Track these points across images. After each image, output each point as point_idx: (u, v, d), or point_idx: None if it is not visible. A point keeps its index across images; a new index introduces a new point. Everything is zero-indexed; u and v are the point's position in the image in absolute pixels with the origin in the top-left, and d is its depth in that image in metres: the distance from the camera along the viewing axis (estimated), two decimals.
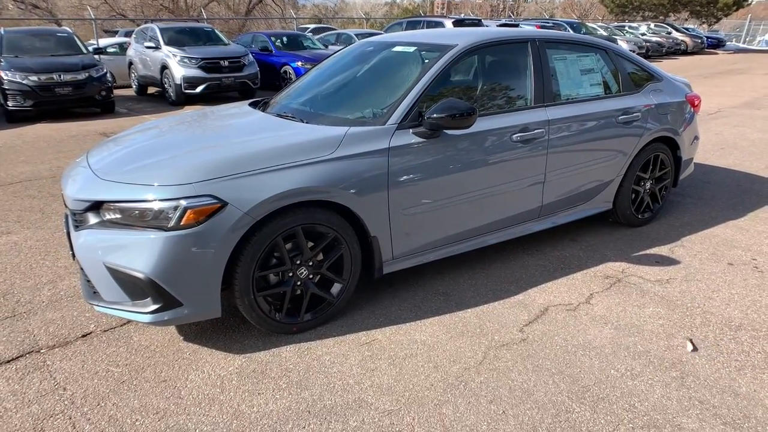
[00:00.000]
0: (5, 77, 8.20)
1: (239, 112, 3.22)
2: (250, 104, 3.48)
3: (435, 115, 2.53)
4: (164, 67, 10.43)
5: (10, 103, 8.26)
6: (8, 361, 2.35)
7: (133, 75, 12.02)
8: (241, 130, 2.71)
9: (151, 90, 12.27)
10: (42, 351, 2.43)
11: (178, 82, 9.99)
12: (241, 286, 2.27)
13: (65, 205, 2.63)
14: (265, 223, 2.24)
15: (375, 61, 3.21)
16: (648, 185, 3.71)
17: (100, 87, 8.93)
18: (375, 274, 2.67)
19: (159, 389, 2.16)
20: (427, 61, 2.86)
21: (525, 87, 3.04)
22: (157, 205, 2.12)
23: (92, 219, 2.26)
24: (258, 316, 2.37)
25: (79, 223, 2.31)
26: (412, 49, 3.06)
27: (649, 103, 3.53)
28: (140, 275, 2.12)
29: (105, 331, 2.59)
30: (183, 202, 2.11)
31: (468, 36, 2.97)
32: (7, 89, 8.20)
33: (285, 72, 12.15)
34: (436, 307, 2.76)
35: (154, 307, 2.18)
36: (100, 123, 8.43)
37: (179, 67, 10.08)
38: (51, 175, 5.34)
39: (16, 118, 8.46)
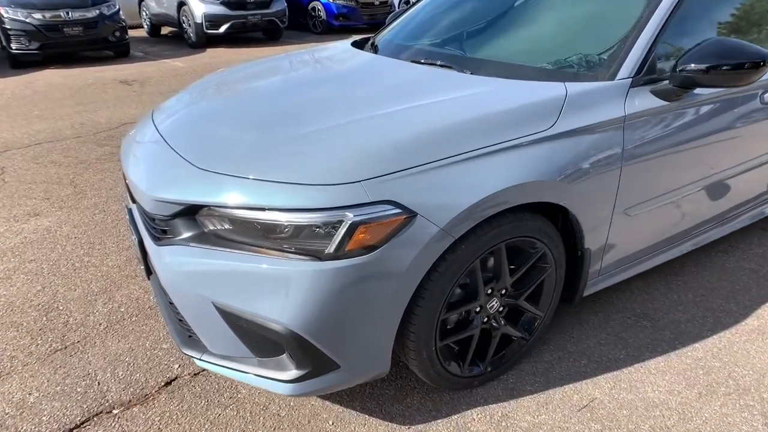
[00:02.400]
0: (5, 15, 7.10)
1: (354, 57, 2.29)
2: (353, 45, 2.57)
3: (694, 66, 1.64)
4: (182, 4, 9.22)
5: (13, 46, 7.21)
6: (72, 430, 1.63)
7: (144, 14, 10.78)
8: (387, 90, 1.82)
9: (165, 30, 11.08)
10: (114, 411, 1.69)
11: (199, 21, 8.83)
12: (420, 335, 1.49)
13: (129, 193, 1.81)
14: (460, 242, 1.43)
15: None
16: None
17: (113, 26, 7.83)
18: (576, 299, 1.88)
19: None
20: None
21: None
22: (303, 218, 1.30)
23: (184, 230, 1.45)
24: (437, 372, 1.60)
25: (162, 235, 1.51)
26: None
27: None
28: (277, 327, 1.33)
29: (194, 375, 1.84)
30: (349, 214, 1.28)
31: None
32: (9, 29, 7.12)
33: (314, 9, 10.88)
34: (648, 340, 1.99)
35: (297, 373, 1.40)
36: (117, 68, 7.42)
37: (200, 3, 8.87)
38: (75, 135, 4.46)
39: (22, 63, 7.45)
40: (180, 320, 1.58)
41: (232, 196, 1.36)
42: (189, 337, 1.58)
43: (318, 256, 1.29)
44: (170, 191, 1.45)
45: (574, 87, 1.62)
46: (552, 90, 1.61)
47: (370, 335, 1.39)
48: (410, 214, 1.30)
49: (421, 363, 1.53)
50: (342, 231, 1.27)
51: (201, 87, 2.19)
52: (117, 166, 3.75)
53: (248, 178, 1.38)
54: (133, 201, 1.76)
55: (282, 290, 1.30)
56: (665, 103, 1.74)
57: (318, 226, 1.29)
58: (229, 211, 1.37)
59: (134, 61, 7.99)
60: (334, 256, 1.28)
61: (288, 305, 1.30)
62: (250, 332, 1.39)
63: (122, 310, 2.18)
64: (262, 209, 1.32)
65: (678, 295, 2.26)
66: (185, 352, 1.55)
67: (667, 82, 1.73)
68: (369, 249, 1.28)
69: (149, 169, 1.58)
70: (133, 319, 2.12)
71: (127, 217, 1.82)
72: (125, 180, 1.83)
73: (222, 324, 1.42)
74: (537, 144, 1.50)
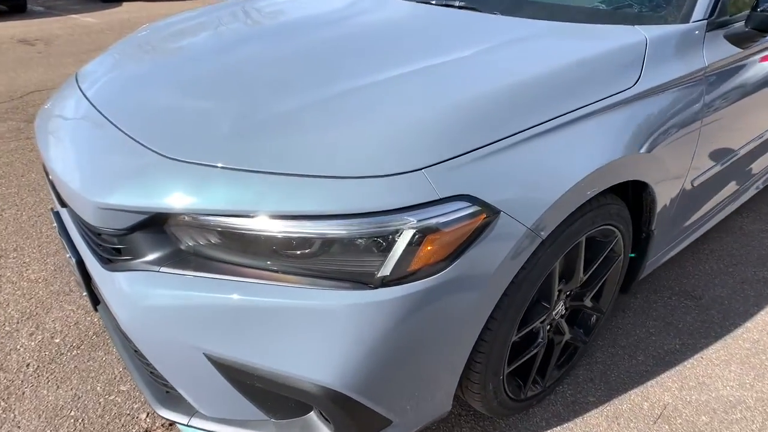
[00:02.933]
0: None
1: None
2: None
3: None
4: None
5: None
6: None
7: None
8: (401, 38, 1.35)
9: None
10: None
11: None
12: (489, 364, 1.14)
13: (54, 192, 1.30)
14: (543, 242, 1.08)
15: None
16: None
17: None
18: (631, 287, 1.61)
19: None
20: None
21: None
22: (339, 228, 0.88)
23: (150, 248, 0.98)
24: (500, 402, 1.27)
25: (114, 255, 1.04)
26: None
27: None
28: (308, 386, 0.94)
29: (170, 426, 1.41)
30: (411, 218, 0.88)
31: None
32: None
33: None
34: (698, 324, 1.77)
35: None
36: (13, 25, 6.25)
37: None
38: None
39: None
40: (151, 372, 1.14)
41: (224, 197, 0.92)
42: (167, 393, 1.15)
43: (365, 281, 0.89)
44: (123, 192, 0.97)
45: (652, 31, 1.28)
46: (627, 35, 1.25)
47: (432, 376, 1.03)
48: (492, 213, 0.93)
49: (485, 396, 1.20)
50: (401, 244, 0.87)
51: (138, 44, 1.63)
52: (27, 145, 3.04)
53: (248, 171, 0.93)
54: (63, 204, 1.25)
55: (312, 335, 0.90)
56: (739, 50, 1.45)
57: (362, 239, 0.88)
58: (219, 219, 0.93)
59: (34, 17, 6.78)
60: (390, 281, 0.89)
61: (323, 356, 0.90)
62: (263, 392, 0.99)
63: (57, 341, 1.66)
64: (271, 216, 0.90)
65: (709, 265, 2.08)
66: (163, 414, 1.12)
67: (741, 24, 1.44)
68: (438, 266, 0.90)
69: (85, 159, 1.08)
70: (74, 352, 1.62)
71: (56, 224, 1.30)
72: (47, 175, 1.30)
73: (220, 381, 0.99)
74: (620, 107, 1.15)
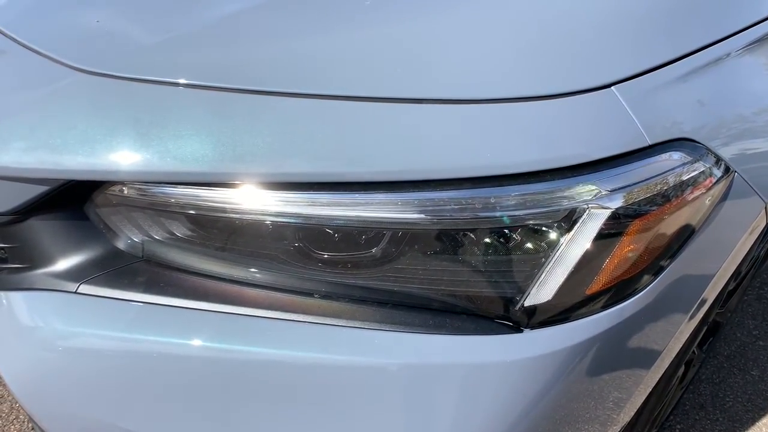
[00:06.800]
0: None
1: None
2: None
3: None
4: None
5: None
6: None
7: None
8: None
9: None
10: None
11: None
12: (638, 419, 0.74)
13: None
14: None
15: None
16: None
17: None
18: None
19: None
20: None
21: None
22: (440, 208, 0.41)
23: (59, 252, 0.51)
24: None
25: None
26: None
27: None
28: None
29: None
30: (599, 188, 0.41)
31: None
32: None
33: None
34: None
35: None
36: None
37: None
38: None
39: None
40: None
41: (207, 148, 0.45)
42: None
43: (493, 315, 0.45)
44: (18, 142, 0.50)
45: None
46: None
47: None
48: (723, 175, 0.51)
49: None
50: (581, 240, 0.43)
51: None
52: None
53: (248, 92, 0.47)
54: None
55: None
56: None
57: (499, 232, 0.44)
58: (195, 192, 0.47)
59: None
60: (550, 316, 0.46)
61: None
62: None
63: None
64: (300, 185, 0.45)
65: None
66: None
67: None
68: (639, 279, 0.47)
69: None
70: None
71: None
72: None
73: None
74: None
